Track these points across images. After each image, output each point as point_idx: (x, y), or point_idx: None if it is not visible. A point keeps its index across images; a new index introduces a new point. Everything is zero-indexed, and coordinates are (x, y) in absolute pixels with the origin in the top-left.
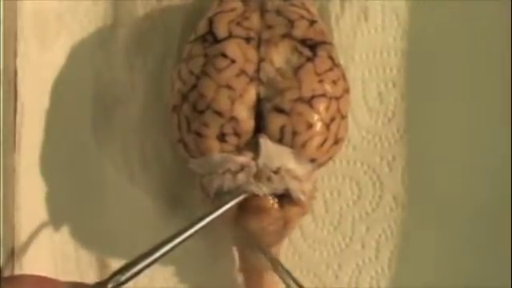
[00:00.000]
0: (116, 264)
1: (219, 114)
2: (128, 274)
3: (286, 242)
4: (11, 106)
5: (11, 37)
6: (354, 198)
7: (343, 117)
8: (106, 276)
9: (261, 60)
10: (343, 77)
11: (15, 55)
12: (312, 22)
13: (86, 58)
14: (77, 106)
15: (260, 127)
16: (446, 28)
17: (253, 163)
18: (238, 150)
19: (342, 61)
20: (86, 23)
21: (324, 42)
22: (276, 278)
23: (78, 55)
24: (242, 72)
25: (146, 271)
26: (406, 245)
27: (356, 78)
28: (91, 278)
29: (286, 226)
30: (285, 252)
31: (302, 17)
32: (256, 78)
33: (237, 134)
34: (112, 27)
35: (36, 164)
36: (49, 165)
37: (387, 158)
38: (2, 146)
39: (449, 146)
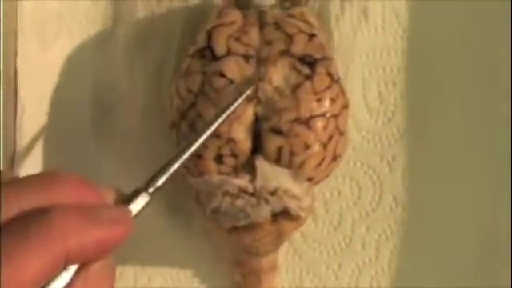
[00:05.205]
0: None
1: (217, 135)
2: (164, 178)
3: (285, 243)
4: (11, 106)
5: (11, 37)
6: (353, 198)
7: (341, 133)
8: None
9: (259, 79)
10: (342, 92)
11: (15, 55)
12: (311, 36)
13: (85, 58)
14: (77, 106)
15: (257, 147)
16: (445, 28)
17: (250, 186)
18: (236, 171)
19: (342, 61)
20: (86, 23)
21: (323, 58)
22: (274, 281)
23: (77, 55)
24: (240, 92)
25: (146, 271)
26: (405, 245)
27: (356, 78)
28: None
29: (280, 238)
30: (285, 253)
31: (301, 31)
32: (254, 97)
33: (234, 155)
34: (112, 27)
35: (36, 164)
36: (49, 165)
37: (387, 158)
38: (2, 146)
39: (449, 146)
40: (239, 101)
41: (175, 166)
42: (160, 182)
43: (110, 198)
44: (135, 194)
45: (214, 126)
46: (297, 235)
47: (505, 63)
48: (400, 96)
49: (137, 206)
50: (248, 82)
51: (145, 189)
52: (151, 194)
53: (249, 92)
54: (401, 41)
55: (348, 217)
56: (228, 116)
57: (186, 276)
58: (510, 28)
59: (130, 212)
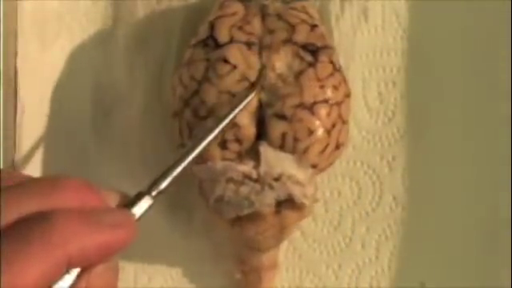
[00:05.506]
0: None
1: (221, 120)
2: (167, 181)
3: (285, 242)
4: (11, 106)
5: (11, 37)
6: (354, 197)
7: (344, 122)
8: None
9: (262, 66)
10: (344, 81)
11: (15, 55)
12: (313, 27)
13: (85, 57)
14: (77, 106)
15: (261, 133)
16: (445, 28)
17: (254, 172)
18: (240, 157)
19: (342, 61)
20: (86, 23)
21: (325, 47)
22: (275, 279)
23: (77, 55)
24: (244, 78)
25: (146, 270)
26: (405, 245)
27: (356, 78)
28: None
29: (282, 231)
30: (285, 252)
31: (303, 21)
32: (257, 84)
33: (238, 141)
34: (112, 27)
35: (36, 164)
36: (49, 165)
37: (387, 158)
38: (2, 146)
39: (449, 146)
40: (243, 104)
41: (178, 169)
42: (163, 185)
43: (112, 200)
44: (138, 197)
45: (216, 131)
46: (297, 234)
47: (505, 63)
48: (400, 96)
49: (140, 209)
50: (251, 68)
51: (148, 192)
52: (154, 198)
53: (251, 98)
54: (401, 41)
55: (348, 217)
56: (230, 121)
57: (186, 275)
58: (510, 28)
59: (133, 215)
